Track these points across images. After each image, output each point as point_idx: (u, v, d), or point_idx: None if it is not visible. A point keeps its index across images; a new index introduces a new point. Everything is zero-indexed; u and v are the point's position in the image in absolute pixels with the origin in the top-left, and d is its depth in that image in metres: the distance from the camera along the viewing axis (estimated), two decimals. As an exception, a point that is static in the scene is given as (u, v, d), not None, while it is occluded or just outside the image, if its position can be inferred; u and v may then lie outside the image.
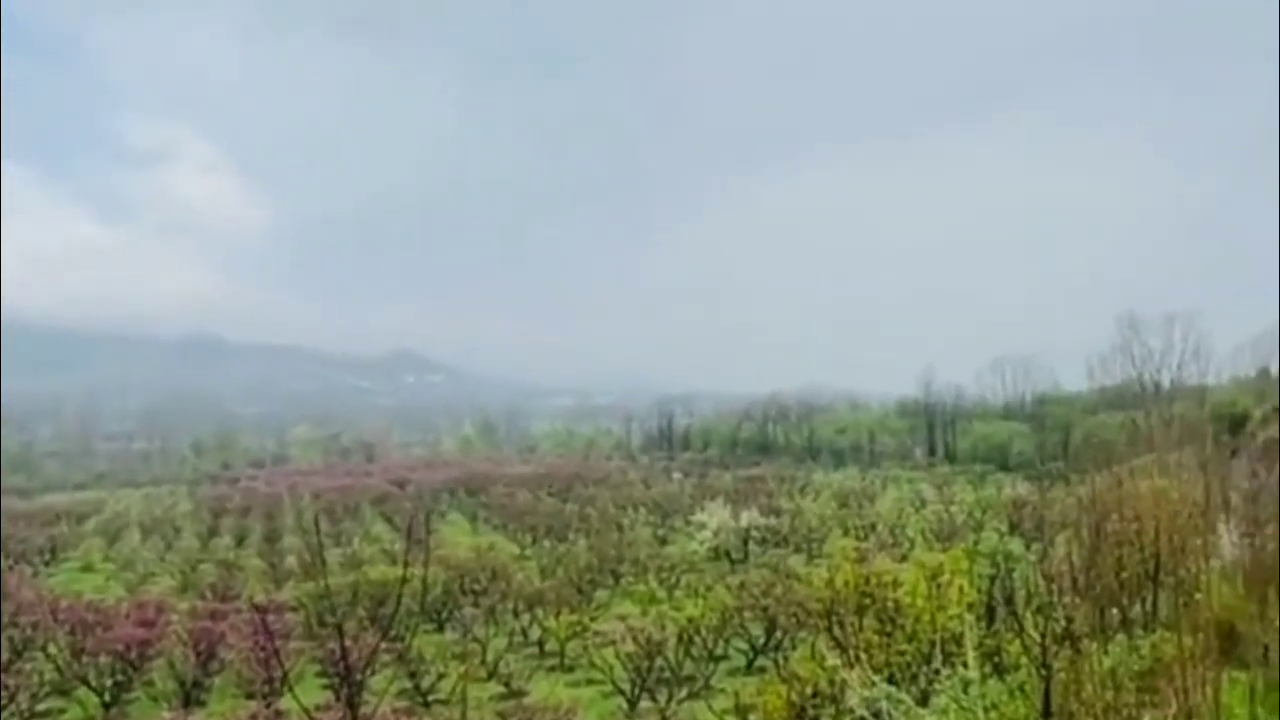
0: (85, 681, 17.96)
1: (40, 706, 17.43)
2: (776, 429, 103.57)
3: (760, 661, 19.68)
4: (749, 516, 36.85)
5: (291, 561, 33.37)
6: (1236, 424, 50.50)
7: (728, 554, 34.30)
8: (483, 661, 19.20)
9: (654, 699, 16.52)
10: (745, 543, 35.48)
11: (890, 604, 12.22)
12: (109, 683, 17.91)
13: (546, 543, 38.38)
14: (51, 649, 19.47)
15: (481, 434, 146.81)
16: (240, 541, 42.93)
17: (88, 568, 37.94)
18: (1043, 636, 10.58)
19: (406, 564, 24.26)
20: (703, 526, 36.35)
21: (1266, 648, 8.61)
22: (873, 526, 38.03)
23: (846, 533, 38.02)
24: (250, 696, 16.45)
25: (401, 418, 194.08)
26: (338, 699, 15.35)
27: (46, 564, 38.69)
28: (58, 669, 18.66)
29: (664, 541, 38.60)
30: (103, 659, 18.10)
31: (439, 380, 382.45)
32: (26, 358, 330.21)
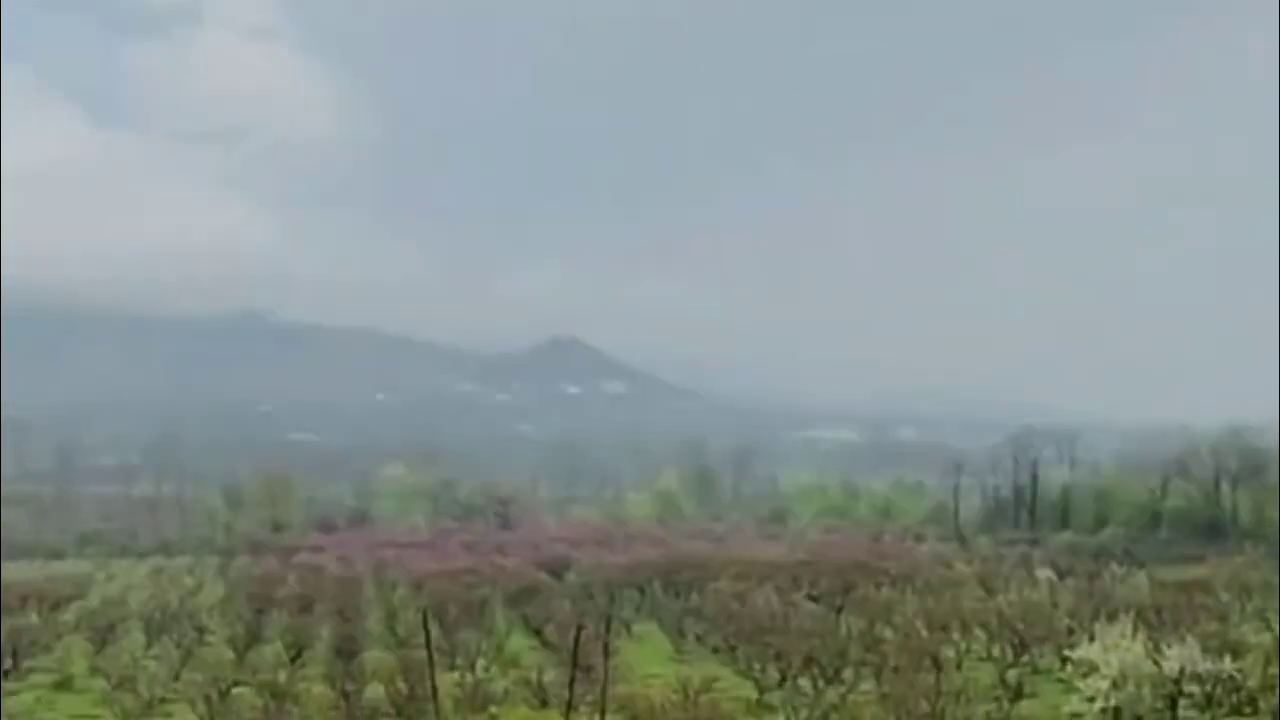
0: None
1: None
2: (1237, 493, 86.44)
3: None
4: (1181, 655, 31.28)
5: (378, 693, 30.62)
6: None
7: (1140, 722, 29.63)
8: None
9: None
10: (1173, 704, 31.16)
11: None
12: None
13: (804, 683, 35.08)
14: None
15: (693, 487, 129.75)
16: (297, 653, 40.11)
17: (65, 684, 36.37)
18: None
19: (571, 707, 22.25)
20: (1093, 669, 31.51)
21: None
22: None
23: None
24: None
25: (558, 455, 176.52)
26: None
27: (5, 675, 37.19)
28: None
29: (1019, 693, 34.57)
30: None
31: (619, 392, 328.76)
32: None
